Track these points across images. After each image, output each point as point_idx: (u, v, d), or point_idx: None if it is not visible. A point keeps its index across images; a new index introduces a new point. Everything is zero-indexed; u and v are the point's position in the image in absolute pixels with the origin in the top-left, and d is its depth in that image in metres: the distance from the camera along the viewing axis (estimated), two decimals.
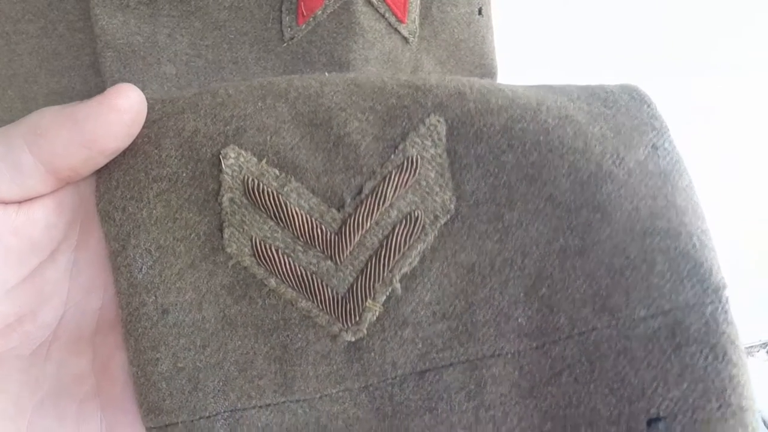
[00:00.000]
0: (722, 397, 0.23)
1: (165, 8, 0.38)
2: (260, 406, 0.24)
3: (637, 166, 0.25)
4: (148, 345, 0.23)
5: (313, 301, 0.24)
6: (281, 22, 0.38)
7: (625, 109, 0.26)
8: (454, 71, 0.46)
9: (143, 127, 0.24)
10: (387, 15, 0.40)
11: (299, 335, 0.24)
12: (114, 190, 0.24)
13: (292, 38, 0.39)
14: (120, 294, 0.24)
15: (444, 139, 0.25)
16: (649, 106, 0.26)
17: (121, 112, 0.23)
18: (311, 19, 0.38)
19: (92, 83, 0.42)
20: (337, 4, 0.38)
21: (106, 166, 0.24)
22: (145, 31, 0.38)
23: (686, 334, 0.23)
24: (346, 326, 0.24)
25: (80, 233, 0.25)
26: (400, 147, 0.24)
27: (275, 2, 0.38)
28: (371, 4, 0.39)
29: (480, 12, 0.45)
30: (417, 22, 0.42)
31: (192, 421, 0.23)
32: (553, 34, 0.87)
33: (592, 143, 0.25)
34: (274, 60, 0.39)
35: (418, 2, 0.41)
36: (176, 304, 0.23)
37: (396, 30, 0.41)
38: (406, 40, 0.41)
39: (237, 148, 0.24)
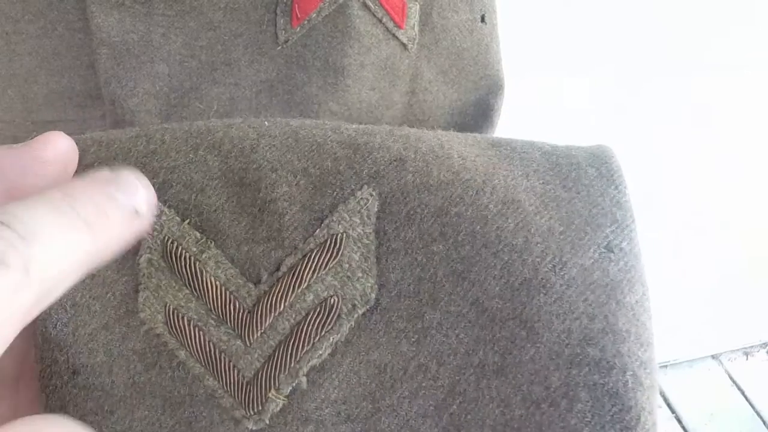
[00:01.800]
0: None
1: (160, 7, 0.37)
2: None
3: (580, 274, 0.22)
4: (57, 404, 0.22)
5: (219, 381, 0.23)
6: (276, 25, 0.38)
7: (585, 192, 0.23)
8: (457, 81, 0.44)
9: (75, 173, 0.23)
10: (384, 20, 0.39)
11: (204, 414, 0.23)
12: None
13: (286, 41, 0.38)
14: (36, 348, 0.23)
15: (374, 217, 0.23)
16: (616, 188, 0.24)
17: (46, 164, 0.22)
18: (305, 21, 0.38)
19: (92, 83, 0.42)
20: (332, 7, 0.37)
21: None
22: (139, 29, 0.38)
23: None
24: (248, 413, 0.22)
25: None
26: (326, 221, 0.23)
27: (270, 4, 0.38)
28: (368, 8, 0.38)
29: (483, 20, 0.44)
30: (416, 29, 0.41)
31: None
32: (553, 34, 0.87)
33: (534, 240, 0.22)
34: (268, 63, 0.39)
35: (418, 8, 0.40)
36: (87, 366, 0.22)
37: (394, 36, 0.40)
38: (404, 46, 0.41)
39: (161, 205, 0.23)
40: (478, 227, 0.23)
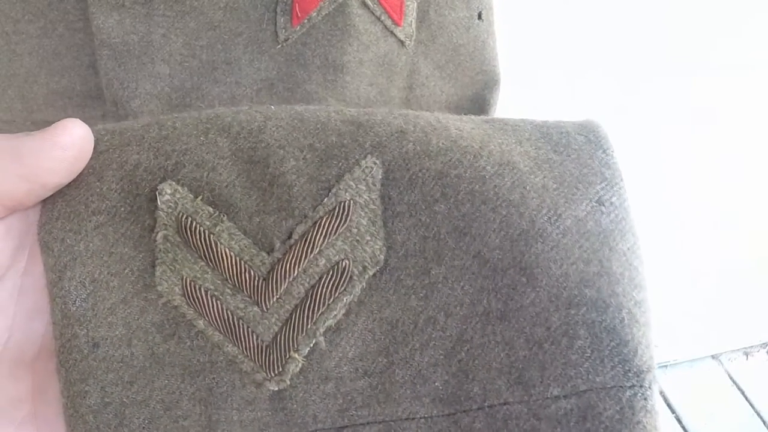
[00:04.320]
0: None
1: (160, 8, 0.38)
2: None
3: (574, 224, 0.23)
4: (77, 377, 0.23)
5: (239, 347, 0.24)
6: (276, 23, 0.38)
7: (576, 155, 0.25)
8: (453, 76, 0.45)
9: (90, 158, 0.24)
10: (383, 18, 0.39)
11: (225, 379, 0.23)
12: (54, 221, 0.24)
13: (286, 40, 0.39)
14: (54, 324, 0.24)
15: (378, 184, 0.24)
16: (604, 151, 0.25)
17: (63, 149, 0.23)
18: (306, 20, 0.38)
19: (92, 83, 0.42)
20: (332, 6, 0.38)
21: (52, 195, 0.24)
22: (140, 30, 0.38)
23: (598, 420, 0.22)
24: (269, 375, 0.23)
25: (28, 259, 0.24)
26: (334, 190, 0.24)
27: (270, 3, 0.38)
28: (367, 7, 0.38)
29: (480, 17, 0.44)
30: (414, 26, 0.41)
31: None
32: (553, 35, 0.87)
33: (530, 195, 0.24)
34: (268, 61, 0.39)
35: (415, 5, 0.41)
36: (107, 339, 0.23)
37: (392, 33, 0.40)
38: (402, 43, 0.41)
39: (174, 183, 0.24)
40: (477, 186, 0.24)
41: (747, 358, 1.48)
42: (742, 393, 1.41)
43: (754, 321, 1.44)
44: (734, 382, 1.43)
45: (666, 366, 1.42)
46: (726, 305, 1.38)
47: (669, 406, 1.37)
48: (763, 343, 1.50)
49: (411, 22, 0.41)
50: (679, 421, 1.35)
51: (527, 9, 0.81)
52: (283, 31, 0.38)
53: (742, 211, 1.23)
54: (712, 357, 1.47)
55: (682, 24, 0.94)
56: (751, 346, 1.49)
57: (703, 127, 1.09)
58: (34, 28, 0.41)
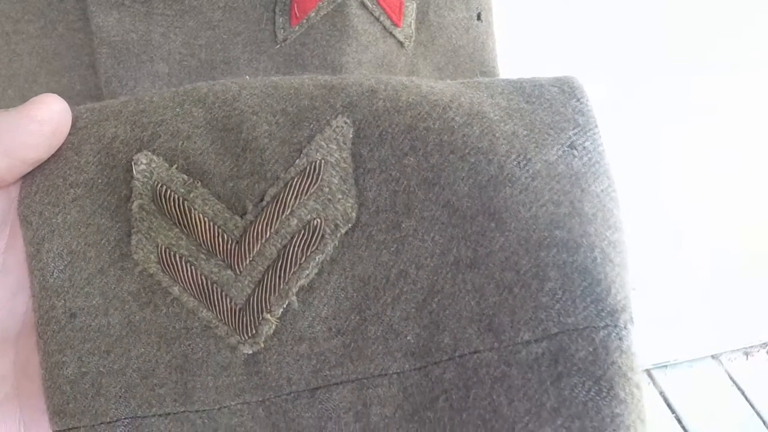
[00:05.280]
0: None
1: (159, 7, 0.38)
2: (160, 415, 0.23)
3: (544, 168, 0.23)
4: (55, 348, 0.23)
5: (213, 312, 0.24)
6: (274, 23, 0.38)
7: (548, 104, 0.24)
8: (453, 77, 0.45)
9: (69, 134, 0.24)
10: (382, 18, 0.39)
11: (200, 345, 0.24)
12: (33, 195, 0.24)
13: (284, 40, 0.39)
14: (33, 297, 0.24)
15: (349, 143, 0.24)
16: (578, 100, 0.25)
17: (41, 123, 0.23)
18: (304, 20, 0.38)
19: (92, 83, 0.42)
20: (331, 6, 0.38)
21: (31, 170, 0.24)
22: (139, 29, 0.38)
23: (570, 362, 0.21)
24: (243, 338, 0.23)
25: (9, 236, 0.25)
26: (305, 151, 0.24)
27: (269, 3, 0.38)
28: (366, 7, 0.38)
29: (479, 17, 0.44)
30: (413, 27, 0.41)
31: (93, 426, 0.23)
32: (552, 35, 0.88)
33: (499, 142, 0.23)
34: (266, 61, 0.39)
35: (415, 6, 0.41)
36: (84, 309, 0.23)
37: (391, 34, 0.40)
38: (401, 44, 0.41)
39: (149, 153, 0.24)
40: (445, 137, 0.24)
41: (747, 358, 1.48)
42: (742, 393, 1.41)
43: (754, 321, 1.44)
44: (734, 382, 1.43)
45: (666, 366, 1.42)
46: (726, 305, 1.38)
47: (669, 406, 1.37)
48: (763, 343, 1.50)
49: (410, 23, 0.41)
50: (679, 421, 1.35)
51: (527, 9, 0.82)
52: (282, 31, 0.39)
53: (741, 211, 1.23)
54: (712, 357, 1.47)
55: (681, 24, 0.94)
56: (751, 346, 1.49)
57: (702, 127, 1.09)
58: (34, 28, 0.41)
